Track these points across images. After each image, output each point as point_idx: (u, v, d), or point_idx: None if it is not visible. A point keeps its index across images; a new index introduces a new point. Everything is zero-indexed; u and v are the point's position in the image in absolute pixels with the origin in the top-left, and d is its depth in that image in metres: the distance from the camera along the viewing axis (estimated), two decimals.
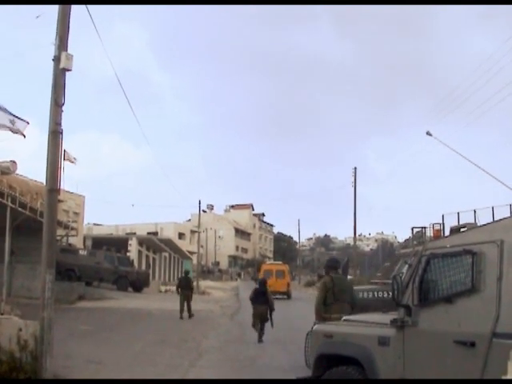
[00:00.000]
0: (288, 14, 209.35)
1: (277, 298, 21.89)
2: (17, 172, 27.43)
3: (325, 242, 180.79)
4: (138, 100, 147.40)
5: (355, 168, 53.59)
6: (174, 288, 46.23)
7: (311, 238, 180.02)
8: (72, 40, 10.42)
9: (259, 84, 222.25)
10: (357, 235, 58.55)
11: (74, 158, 37.25)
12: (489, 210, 26.55)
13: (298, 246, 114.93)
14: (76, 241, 40.60)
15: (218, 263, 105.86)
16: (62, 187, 10.81)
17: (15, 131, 26.86)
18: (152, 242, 54.02)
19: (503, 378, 4.71)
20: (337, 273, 11.07)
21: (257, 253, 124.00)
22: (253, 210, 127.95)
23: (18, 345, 9.38)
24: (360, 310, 9.56)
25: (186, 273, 27.96)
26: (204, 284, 57.05)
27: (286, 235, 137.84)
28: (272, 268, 46.42)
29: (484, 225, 5.99)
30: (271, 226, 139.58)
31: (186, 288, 24.81)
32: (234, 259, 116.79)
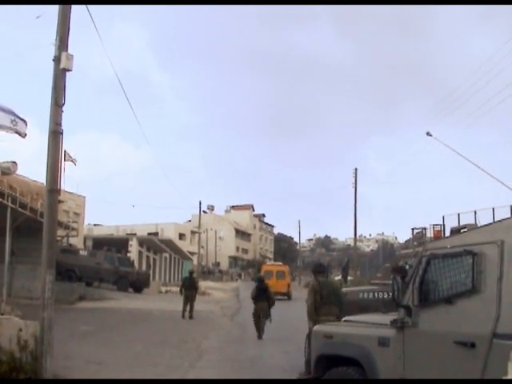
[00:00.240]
0: (288, 14, 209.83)
1: (277, 299, 21.86)
2: (17, 172, 27.45)
3: (325, 242, 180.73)
4: (138, 100, 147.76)
5: (356, 169, 53.61)
6: (174, 289, 46.56)
7: (312, 239, 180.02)
8: (72, 40, 10.44)
9: (259, 84, 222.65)
10: (357, 236, 58.55)
11: (75, 159, 37.36)
12: (489, 210, 26.54)
13: (298, 247, 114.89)
14: (76, 241, 40.60)
15: (218, 264, 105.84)
16: (62, 188, 10.82)
17: (16, 132, 26.92)
18: (152, 243, 54.02)
19: (503, 378, 4.71)
20: (323, 276, 11.55)
21: (257, 253, 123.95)
22: (253, 210, 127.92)
23: (18, 345, 9.38)
24: (360, 311, 9.56)
25: (191, 273, 28.14)
26: (204, 285, 56.96)
27: (286, 236, 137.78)
28: (272, 269, 46.43)
29: (484, 225, 5.99)
30: (272, 226, 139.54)
31: (190, 288, 24.91)
32: (234, 260, 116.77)
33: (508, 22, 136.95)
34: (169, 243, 58.63)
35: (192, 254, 75.27)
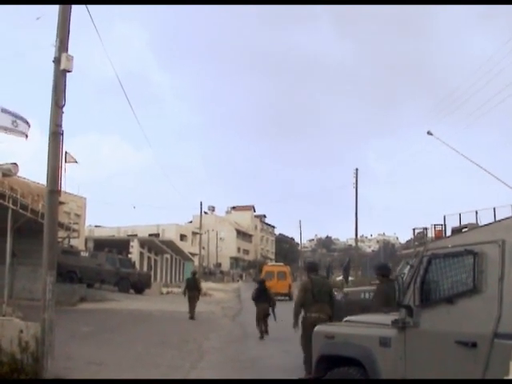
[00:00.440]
0: (288, 14, 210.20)
1: (278, 300, 21.97)
2: (18, 174, 27.47)
3: (326, 243, 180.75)
4: (138, 100, 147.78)
5: (356, 169, 53.65)
6: (175, 289, 46.58)
7: (313, 240, 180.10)
8: (72, 41, 10.46)
9: (259, 84, 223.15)
10: (358, 236, 58.53)
11: (75, 159, 37.35)
12: (490, 210, 26.52)
13: (299, 248, 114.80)
14: (77, 243, 40.62)
15: (219, 265, 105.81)
16: (63, 189, 10.81)
17: (17, 133, 26.96)
18: (153, 244, 54.04)
19: (505, 378, 4.70)
20: (316, 275, 11.67)
21: (258, 254, 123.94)
22: (254, 211, 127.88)
23: (19, 346, 9.38)
24: (361, 311, 9.55)
25: (194, 273, 28.42)
26: (205, 285, 56.94)
27: (287, 237, 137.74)
28: (273, 269, 46.39)
29: (485, 225, 5.98)
30: (273, 227, 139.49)
31: (193, 289, 25.01)
32: (235, 261, 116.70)
33: (508, 22, 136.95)
34: (170, 244, 58.64)
35: (193, 254, 75.31)
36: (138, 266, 44.74)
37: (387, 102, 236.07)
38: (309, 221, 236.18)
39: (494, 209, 26.21)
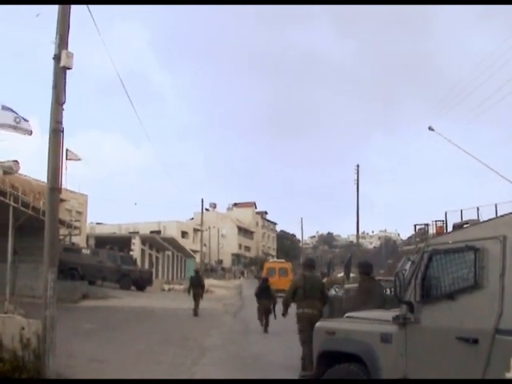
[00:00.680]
0: (287, 13, 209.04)
1: (280, 296, 22.10)
2: (19, 171, 27.51)
3: (328, 239, 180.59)
4: (139, 99, 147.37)
5: (357, 165, 53.64)
6: (177, 286, 46.62)
7: (314, 236, 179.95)
8: (73, 40, 10.43)
9: (258, 83, 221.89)
10: (360, 233, 58.55)
11: (76, 155, 37.35)
12: (492, 206, 26.58)
13: (301, 244, 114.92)
14: (79, 240, 40.62)
15: (221, 261, 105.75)
16: (64, 186, 10.82)
17: (20, 130, 26.98)
18: (155, 241, 54.06)
19: (506, 374, 4.70)
20: (311, 271, 11.99)
21: (260, 251, 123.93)
22: (256, 208, 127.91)
23: (21, 343, 9.37)
24: None
25: (197, 271, 28.93)
26: (207, 282, 56.78)
27: (289, 233, 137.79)
28: (275, 266, 46.37)
29: (486, 221, 5.97)
30: (274, 224, 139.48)
31: (197, 286, 25.20)
32: (237, 257, 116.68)
33: (507, 21, 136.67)
34: (171, 241, 58.68)
35: (195, 251, 75.37)
36: (139, 263, 44.75)
37: (388, 99, 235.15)
38: (310, 217, 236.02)
39: (496, 205, 26.27)
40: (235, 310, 29.58)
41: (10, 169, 25.55)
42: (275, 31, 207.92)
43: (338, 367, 6.94)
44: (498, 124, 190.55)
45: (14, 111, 27.05)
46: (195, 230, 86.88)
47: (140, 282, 37.65)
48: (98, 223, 76.73)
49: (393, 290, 6.40)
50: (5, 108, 26.95)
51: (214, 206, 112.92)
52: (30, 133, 27.33)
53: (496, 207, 26.08)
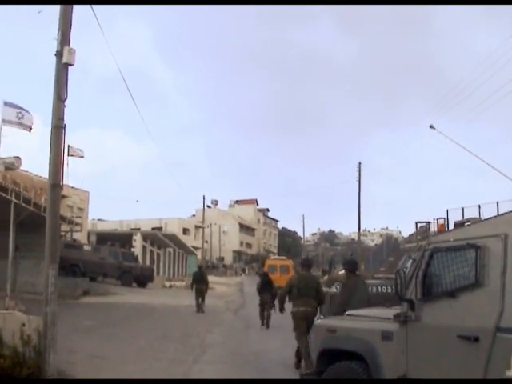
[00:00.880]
0: (290, 12, 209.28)
1: None
2: (21, 168, 27.53)
3: (329, 237, 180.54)
4: (141, 97, 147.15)
5: (359, 163, 53.57)
6: (178, 283, 46.63)
7: (316, 233, 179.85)
8: (75, 37, 10.41)
9: (261, 81, 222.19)
10: (361, 230, 58.52)
11: (80, 150, 37.40)
12: (493, 204, 26.59)
13: (302, 242, 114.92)
14: (80, 236, 40.62)
15: (222, 258, 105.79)
16: (66, 183, 10.81)
17: (22, 126, 26.97)
18: (156, 238, 54.05)
19: (507, 372, 4.69)
20: (308, 271, 12.40)
21: (261, 248, 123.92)
22: (257, 205, 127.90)
23: (22, 340, 9.37)
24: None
25: (200, 267, 29.31)
26: (209, 279, 56.86)
27: (290, 230, 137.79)
28: (276, 263, 46.39)
29: (488, 219, 5.96)
30: (276, 221, 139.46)
31: (200, 282, 25.31)
32: (238, 254, 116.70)
33: (510, 19, 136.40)
34: (173, 238, 58.67)
35: (196, 248, 75.36)
36: (140, 259, 44.77)
37: (389, 99, 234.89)
38: (312, 215, 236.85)
39: (497, 203, 26.27)
40: (236, 307, 29.59)
41: (12, 165, 25.55)
42: (277, 30, 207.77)
43: (339, 365, 6.94)
44: (499, 122, 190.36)
45: (16, 106, 27.11)
46: (197, 227, 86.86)
47: (141, 278, 37.64)
48: (99, 220, 76.86)
49: (393, 287, 6.39)
50: (7, 104, 27.00)
51: (215, 202, 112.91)
52: (30, 129, 27.38)
53: (497, 205, 26.10)
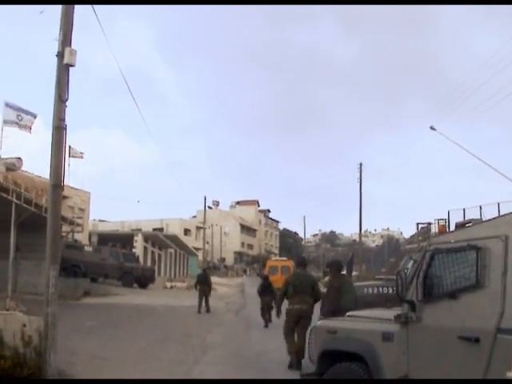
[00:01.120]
0: (291, 11, 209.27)
1: None
2: (22, 168, 27.54)
3: (330, 238, 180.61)
4: (142, 97, 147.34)
5: (360, 164, 53.58)
6: (179, 284, 46.64)
7: (317, 234, 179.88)
8: (76, 37, 10.41)
9: (262, 81, 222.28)
10: (362, 231, 58.49)
11: (81, 153, 37.48)
12: (495, 205, 26.54)
13: (303, 242, 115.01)
14: (81, 237, 40.63)
15: (223, 259, 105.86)
16: (66, 183, 10.82)
17: (22, 127, 27.03)
18: (157, 238, 54.05)
19: (508, 373, 4.69)
20: (303, 269, 12.75)
21: (262, 249, 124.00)
22: (258, 206, 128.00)
23: (22, 340, 9.37)
24: (364, 306, 9.56)
25: (204, 269, 29.53)
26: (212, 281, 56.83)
27: (291, 231, 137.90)
28: (277, 264, 46.32)
29: (489, 220, 5.96)
30: (277, 222, 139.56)
31: (204, 283, 25.63)
32: (239, 255, 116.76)
33: (510, 20, 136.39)
34: (174, 239, 58.65)
35: (197, 249, 75.35)
36: (141, 260, 44.75)
37: (390, 99, 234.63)
38: (313, 215, 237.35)
39: (499, 204, 26.23)
40: (237, 307, 29.57)
41: (13, 165, 25.55)
42: (278, 30, 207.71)
43: (340, 366, 6.94)
44: (500, 123, 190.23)
45: (18, 108, 27.16)
46: (198, 228, 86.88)
47: (142, 279, 37.63)
48: (100, 220, 76.83)
49: (394, 288, 6.39)
50: (8, 105, 27.06)
51: (216, 203, 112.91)
52: (30, 129, 27.42)
53: (498, 206, 26.06)
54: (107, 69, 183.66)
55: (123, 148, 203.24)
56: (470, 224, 6.15)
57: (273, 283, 21.49)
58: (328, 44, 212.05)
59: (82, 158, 37.43)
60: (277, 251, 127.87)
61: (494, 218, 5.94)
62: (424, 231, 33.95)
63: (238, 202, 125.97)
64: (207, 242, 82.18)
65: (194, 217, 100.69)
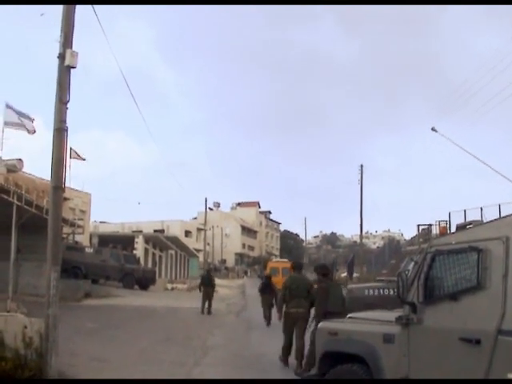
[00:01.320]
0: (291, 11, 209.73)
1: None
2: (23, 170, 27.55)
3: (331, 239, 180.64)
4: (143, 97, 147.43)
5: (361, 166, 53.55)
6: (180, 286, 46.61)
7: (318, 236, 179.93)
8: (77, 38, 10.41)
9: (262, 81, 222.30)
10: (363, 233, 58.46)
11: (84, 159, 37.50)
12: (495, 207, 26.51)
13: (304, 244, 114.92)
14: (82, 238, 40.64)
15: (224, 261, 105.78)
16: (68, 185, 10.81)
17: (25, 128, 27.02)
18: (158, 240, 54.04)
19: (509, 375, 4.69)
20: (299, 273, 12.97)
21: (263, 250, 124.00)
22: (259, 207, 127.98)
23: (23, 342, 9.36)
24: (365, 308, 9.55)
25: (208, 270, 29.54)
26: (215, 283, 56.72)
27: (292, 233, 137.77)
28: (278, 265, 46.33)
29: (490, 221, 5.96)
30: (278, 223, 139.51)
31: (208, 285, 25.88)
32: (240, 257, 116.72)
33: (510, 20, 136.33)
34: (175, 240, 58.64)
35: (198, 251, 75.34)
36: (142, 262, 44.70)
37: (391, 100, 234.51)
38: (314, 217, 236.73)
39: (499, 205, 26.20)
40: (238, 309, 29.58)
41: (14, 167, 25.58)
42: (278, 30, 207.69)
43: (341, 368, 6.94)
44: (502, 125, 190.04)
45: (18, 112, 27.17)
46: (199, 229, 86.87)
47: (143, 280, 37.63)
48: (101, 222, 76.86)
49: (395, 290, 6.38)
50: (9, 106, 27.07)
51: (217, 205, 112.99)
52: (33, 131, 27.43)
53: (499, 208, 26.03)
54: (107, 69, 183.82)
55: (124, 149, 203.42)
56: (471, 226, 6.15)
57: (274, 283, 22.19)
58: (328, 44, 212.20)
59: (83, 160, 37.39)
60: (277, 253, 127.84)
61: (495, 220, 5.93)
62: (425, 233, 33.89)
63: (239, 204, 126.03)
64: (208, 244, 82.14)
65: (195, 218, 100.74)
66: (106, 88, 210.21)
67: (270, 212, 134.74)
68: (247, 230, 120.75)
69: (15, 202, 21.13)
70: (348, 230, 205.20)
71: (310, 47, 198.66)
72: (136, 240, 50.41)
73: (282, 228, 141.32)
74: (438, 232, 26.39)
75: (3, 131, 27.02)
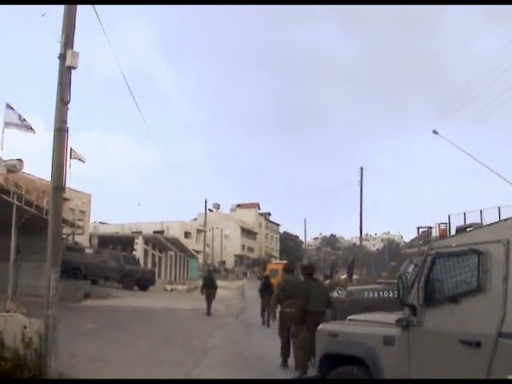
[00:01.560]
0: (291, 11, 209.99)
1: None
2: (23, 170, 27.56)
3: (331, 241, 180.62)
4: (143, 98, 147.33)
5: (361, 168, 53.48)
6: (179, 287, 46.61)
7: (317, 238, 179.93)
8: (77, 38, 10.42)
9: (262, 81, 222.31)
10: (363, 235, 58.41)
11: (83, 161, 37.50)
12: (495, 209, 26.55)
13: (304, 246, 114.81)
14: (82, 239, 40.65)
15: (224, 262, 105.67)
16: (68, 185, 10.80)
17: (25, 128, 27.03)
18: (158, 241, 54.03)
19: (509, 378, 4.69)
20: (291, 275, 13.62)
21: (263, 252, 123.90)
22: (259, 209, 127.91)
23: (23, 342, 9.37)
24: (365, 310, 9.55)
25: (210, 272, 29.97)
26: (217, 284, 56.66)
27: (292, 234, 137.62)
28: (278, 267, 46.24)
29: (490, 224, 5.96)
30: (277, 225, 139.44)
31: (210, 287, 25.96)
32: (240, 258, 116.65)
33: (511, 21, 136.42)
34: (174, 241, 58.64)
35: (197, 252, 75.30)
36: (142, 262, 44.71)
37: (392, 101, 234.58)
38: (313, 219, 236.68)
39: (499, 208, 26.24)
40: (238, 311, 29.56)
41: (14, 167, 25.60)
42: (278, 30, 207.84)
43: (341, 370, 6.93)
44: (503, 127, 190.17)
45: (16, 113, 27.17)
46: (198, 231, 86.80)
47: (143, 281, 37.60)
48: (101, 223, 76.74)
49: (395, 292, 6.38)
50: (9, 107, 27.08)
51: (217, 206, 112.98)
52: (34, 131, 27.42)
53: (499, 210, 26.07)
54: (108, 69, 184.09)
55: (124, 150, 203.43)
56: (471, 228, 6.15)
57: (274, 284, 21.82)
58: (328, 44, 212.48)
59: (83, 162, 37.44)
60: (277, 254, 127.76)
61: (495, 223, 5.94)
62: (425, 235, 33.94)
63: (239, 205, 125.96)
64: (208, 245, 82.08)
65: (195, 219, 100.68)
66: (107, 88, 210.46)
67: (269, 213, 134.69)
68: (247, 232, 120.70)
69: (15, 202, 21.12)
70: (347, 232, 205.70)
71: (310, 47, 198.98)
72: (136, 241, 50.42)
73: (281, 230, 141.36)
74: (437, 234, 26.41)
75: (3, 131, 27.04)
